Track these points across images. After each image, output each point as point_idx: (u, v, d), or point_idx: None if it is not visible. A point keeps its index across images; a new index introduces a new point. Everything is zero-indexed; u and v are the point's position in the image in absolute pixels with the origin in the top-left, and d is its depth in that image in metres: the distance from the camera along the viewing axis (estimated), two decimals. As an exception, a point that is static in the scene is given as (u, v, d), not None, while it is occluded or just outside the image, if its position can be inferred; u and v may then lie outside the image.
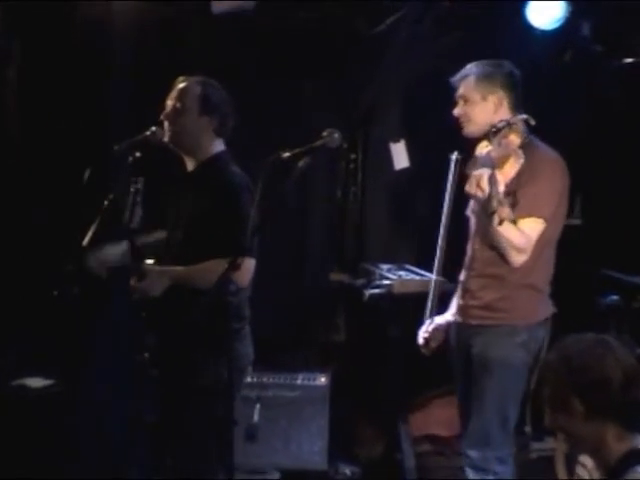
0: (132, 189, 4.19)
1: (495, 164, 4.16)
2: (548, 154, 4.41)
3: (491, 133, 4.33)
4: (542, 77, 5.65)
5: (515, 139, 4.28)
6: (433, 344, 4.58)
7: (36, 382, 5.52)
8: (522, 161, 4.23)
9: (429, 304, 4.63)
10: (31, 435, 5.25)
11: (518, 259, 4.30)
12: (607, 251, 6.11)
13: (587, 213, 6.29)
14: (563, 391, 2.91)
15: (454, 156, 4.57)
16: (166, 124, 4.37)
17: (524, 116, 4.32)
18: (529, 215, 4.26)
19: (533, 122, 4.27)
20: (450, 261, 4.63)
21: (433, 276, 4.66)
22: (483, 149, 4.38)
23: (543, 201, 4.30)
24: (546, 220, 4.29)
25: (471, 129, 4.47)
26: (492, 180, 3.96)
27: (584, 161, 5.72)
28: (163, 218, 4.49)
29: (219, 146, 4.41)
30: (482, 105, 4.42)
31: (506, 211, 3.95)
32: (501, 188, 4.02)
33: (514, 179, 4.27)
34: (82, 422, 5.49)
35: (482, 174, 4.03)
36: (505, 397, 4.37)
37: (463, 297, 4.51)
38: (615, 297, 5.77)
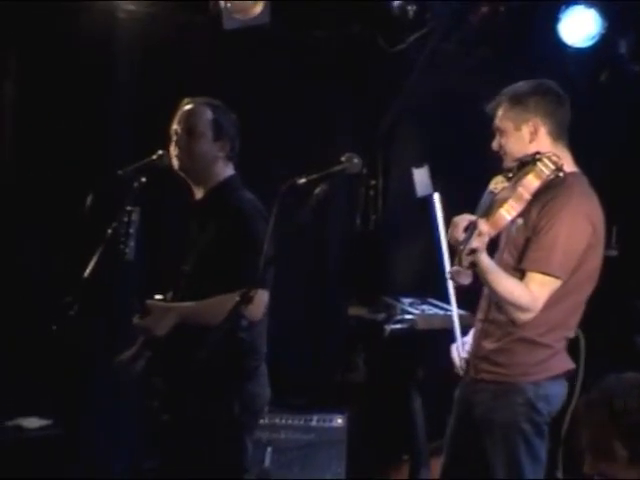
0: (125, 219, 4.04)
1: (494, 208, 3.80)
2: (576, 200, 3.94)
3: (515, 168, 3.96)
4: (576, 99, 5.39)
5: (533, 181, 3.80)
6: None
7: (32, 422, 5.41)
8: (523, 205, 3.78)
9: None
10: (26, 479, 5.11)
11: (521, 317, 3.91)
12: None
13: (624, 244, 6.04)
14: (604, 435, 2.77)
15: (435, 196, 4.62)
16: (175, 150, 4.26)
17: (550, 154, 3.84)
18: (538, 270, 3.85)
19: (562, 173, 3.80)
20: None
21: (454, 310, 4.54)
22: (498, 184, 4.01)
23: (558, 256, 3.87)
24: (559, 278, 3.86)
25: (509, 164, 4.08)
26: (469, 229, 3.63)
27: (621, 188, 5.76)
28: (169, 251, 4.48)
29: (229, 171, 4.32)
30: (516, 136, 4.04)
31: (470, 260, 3.60)
32: (485, 239, 3.66)
33: (529, 223, 3.91)
34: (80, 465, 5.40)
35: (459, 222, 3.71)
36: (515, 461, 4.00)
37: (472, 344, 4.21)
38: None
